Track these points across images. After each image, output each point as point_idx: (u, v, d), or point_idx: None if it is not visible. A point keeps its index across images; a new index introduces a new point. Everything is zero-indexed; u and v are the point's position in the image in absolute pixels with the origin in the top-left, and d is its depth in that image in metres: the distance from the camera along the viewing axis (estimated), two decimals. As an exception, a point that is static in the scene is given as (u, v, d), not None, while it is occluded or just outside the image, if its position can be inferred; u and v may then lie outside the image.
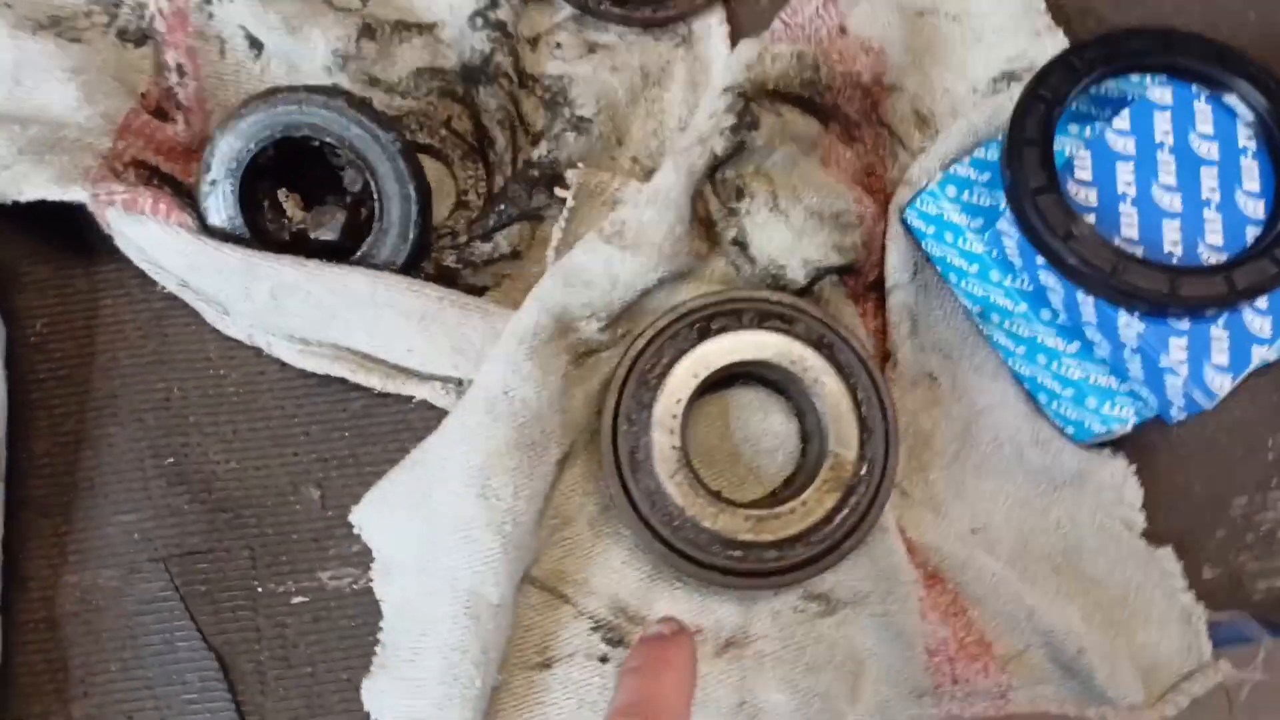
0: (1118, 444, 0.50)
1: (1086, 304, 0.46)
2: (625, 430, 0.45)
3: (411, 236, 0.48)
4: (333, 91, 0.47)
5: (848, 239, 0.49)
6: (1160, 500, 0.50)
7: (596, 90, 0.53)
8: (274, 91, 0.48)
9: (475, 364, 0.47)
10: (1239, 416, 0.52)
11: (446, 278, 0.50)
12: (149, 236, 0.46)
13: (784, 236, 0.49)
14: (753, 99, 0.50)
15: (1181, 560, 0.49)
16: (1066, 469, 0.49)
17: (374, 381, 0.47)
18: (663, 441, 0.45)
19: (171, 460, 0.47)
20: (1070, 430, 0.49)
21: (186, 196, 0.48)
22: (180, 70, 0.52)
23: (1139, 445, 0.50)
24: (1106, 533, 0.49)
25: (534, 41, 0.55)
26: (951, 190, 0.49)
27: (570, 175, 0.51)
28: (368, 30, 0.53)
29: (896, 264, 0.50)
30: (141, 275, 0.48)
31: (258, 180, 0.48)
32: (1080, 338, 0.48)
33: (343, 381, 0.48)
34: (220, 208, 0.47)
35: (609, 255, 0.47)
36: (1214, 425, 0.51)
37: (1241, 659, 0.47)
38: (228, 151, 0.47)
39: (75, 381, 0.48)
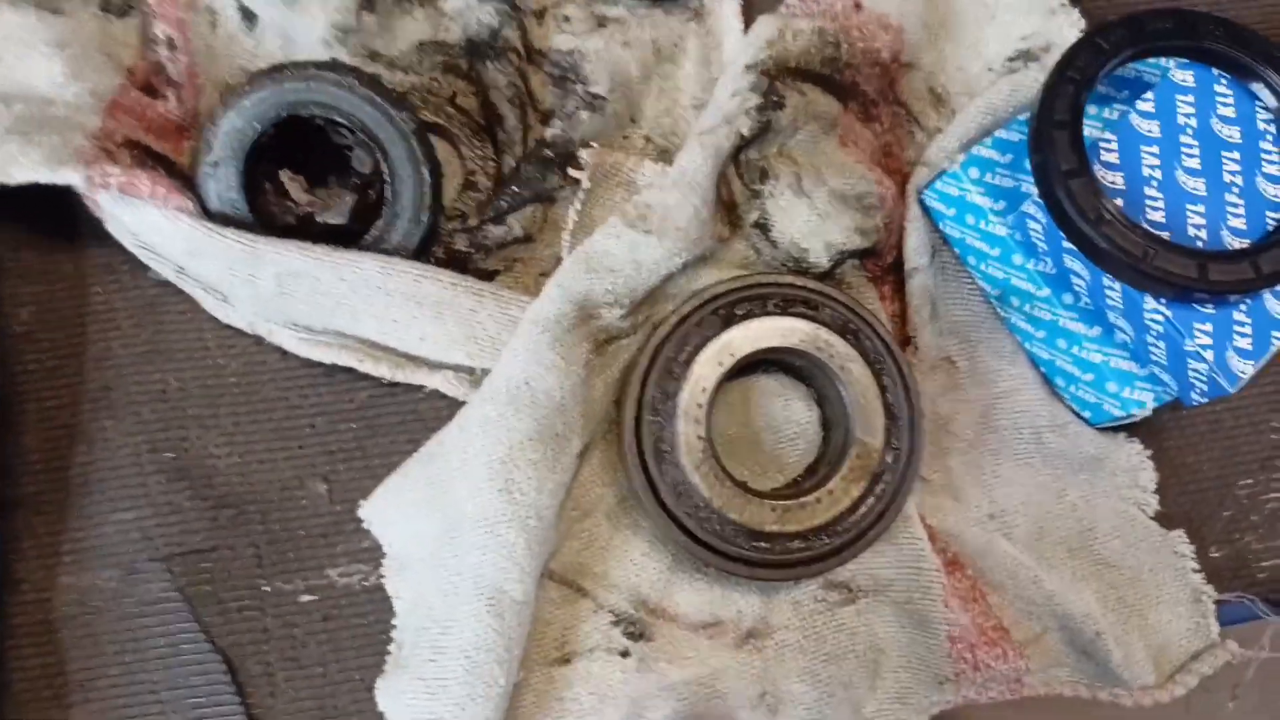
0: (1131, 427, 0.48)
1: (1112, 288, 0.43)
2: (650, 420, 0.42)
3: (424, 220, 0.44)
4: (342, 68, 0.43)
5: (870, 221, 0.46)
6: (1169, 481, 0.49)
7: (609, 66, 0.50)
8: (280, 68, 0.43)
9: (490, 352, 0.43)
10: (1243, 396, 0.50)
11: (457, 263, 0.46)
12: (145, 221, 0.42)
13: (807, 219, 0.46)
14: (776, 77, 0.47)
15: (1190, 541, 0.47)
16: (1083, 453, 0.48)
17: (383, 370, 0.44)
18: (688, 432, 0.42)
19: (171, 455, 0.43)
20: (1088, 414, 0.48)
21: (181, 178, 0.44)
22: (171, 43, 0.47)
23: (1149, 428, 0.49)
24: (1121, 516, 0.47)
25: (540, 15, 0.51)
26: (974, 172, 0.46)
27: (584, 156, 0.47)
28: (368, 2, 0.49)
29: (916, 246, 0.47)
30: (133, 260, 0.44)
31: (259, 161, 0.44)
32: (1102, 322, 0.45)
33: (349, 371, 0.44)
34: (222, 190, 0.43)
35: (633, 240, 0.43)
36: (1221, 406, 0.50)
37: (1248, 638, 0.46)
38: (231, 131, 0.43)
39: (66, 373, 0.43)
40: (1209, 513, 0.49)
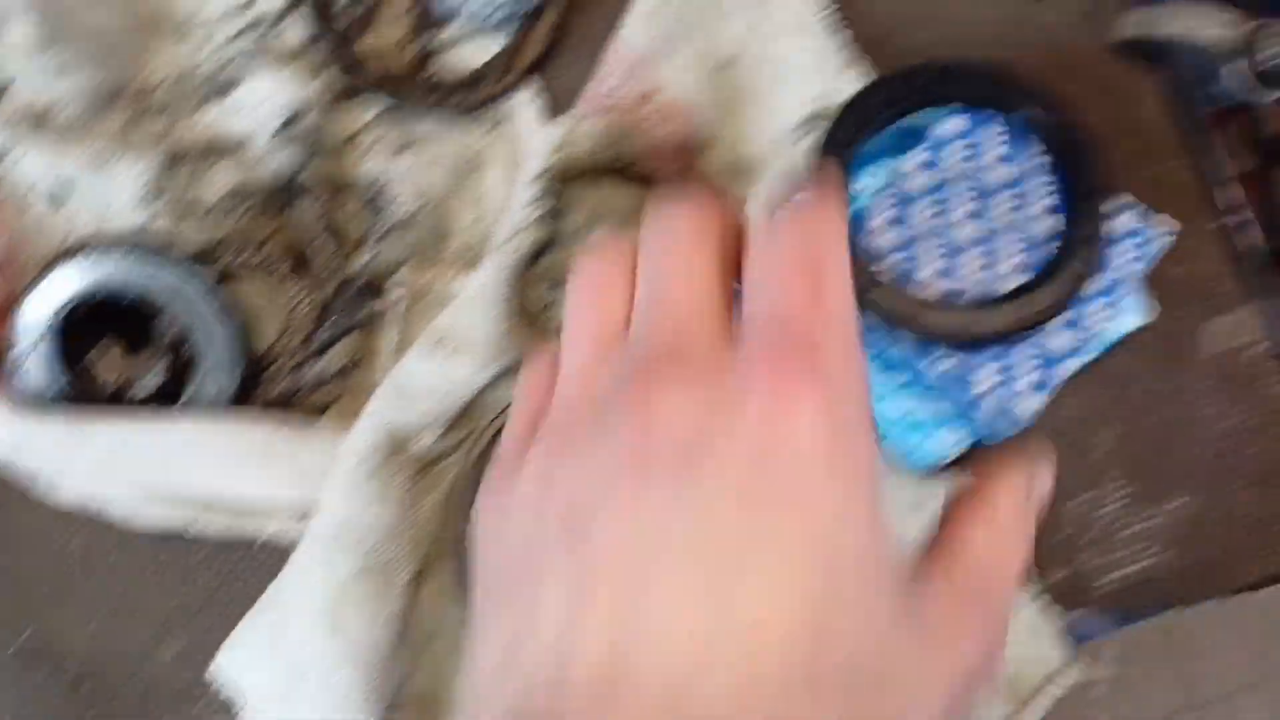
0: (958, 464, 0.49)
1: (901, 344, 0.44)
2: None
3: (237, 371, 0.45)
4: (133, 242, 0.44)
5: (673, 307, 0.47)
6: (1006, 509, 0.49)
7: (416, 186, 0.50)
8: (73, 250, 0.45)
9: (318, 490, 0.44)
10: (1067, 416, 0.51)
11: (282, 403, 0.47)
12: (-39, 418, 0.43)
13: (608, 317, 0.46)
14: (568, 180, 0.48)
15: (1031, 567, 0.48)
16: (907, 500, 0.48)
17: (218, 525, 0.44)
18: (511, 545, 0.43)
19: (26, 636, 0.44)
20: (908, 459, 0.48)
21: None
22: (-14, 227, 0.48)
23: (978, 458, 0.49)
24: (956, 554, 0.48)
25: (347, 143, 0.52)
26: (766, 246, 0.47)
27: (397, 278, 0.48)
28: (175, 159, 0.50)
29: (727, 321, 0.48)
30: (-35, 451, 0.44)
31: (75, 336, 0.45)
32: (904, 372, 0.46)
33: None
34: (37, 373, 0.44)
35: (436, 363, 0.44)
36: (1047, 428, 0.50)
37: (1094, 655, 0.47)
38: (37, 316, 0.44)
39: (-90, 572, 0.44)
40: (1046, 536, 0.50)
